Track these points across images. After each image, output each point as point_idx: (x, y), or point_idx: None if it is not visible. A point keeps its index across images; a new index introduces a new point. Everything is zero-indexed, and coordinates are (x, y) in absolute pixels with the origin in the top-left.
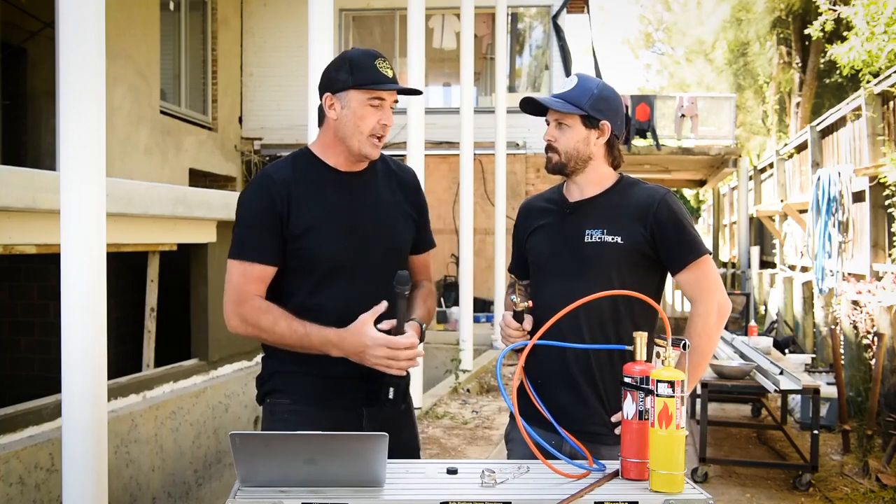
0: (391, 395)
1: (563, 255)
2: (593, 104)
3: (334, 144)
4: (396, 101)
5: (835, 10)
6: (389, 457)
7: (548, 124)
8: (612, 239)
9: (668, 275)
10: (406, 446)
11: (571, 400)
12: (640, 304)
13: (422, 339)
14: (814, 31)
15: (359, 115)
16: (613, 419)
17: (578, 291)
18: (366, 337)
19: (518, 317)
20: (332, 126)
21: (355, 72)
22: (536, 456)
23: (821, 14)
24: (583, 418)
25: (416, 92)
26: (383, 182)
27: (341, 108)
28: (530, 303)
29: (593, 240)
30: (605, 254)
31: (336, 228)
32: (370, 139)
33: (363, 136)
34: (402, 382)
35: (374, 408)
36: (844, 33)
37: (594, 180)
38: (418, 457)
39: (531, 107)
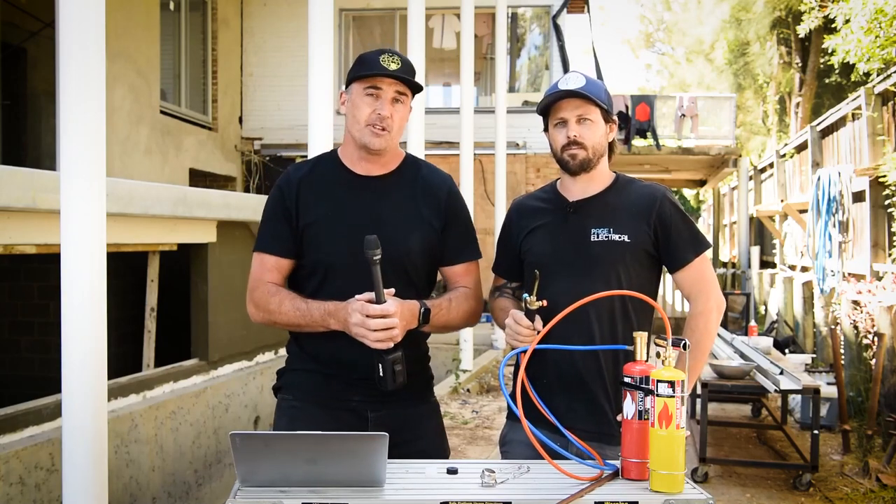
0: (381, 373)
1: (567, 254)
2: (607, 100)
3: (348, 141)
4: (402, 94)
5: (825, 7)
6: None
7: (547, 126)
8: (619, 237)
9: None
10: (423, 455)
11: (580, 400)
12: (645, 303)
13: (423, 321)
14: (802, 29)
15: (356, 105)
16: (619, 419)
17: (585, 291)
18: (350, 304)
19: (529, 315)
20: (345, 122)
21: (359, 65)
22: (543, 457)
23: (812, 9)
24: (591, 418)
25: (416, 84)
26: (405, 188)
27: (348, 102)
28: (545, 302)
29: (600, 239)
30: (612, 252)
31: (336, 228)
32: (368, 129)
33: (361, 125)
34: (391, 360)
35: (381, 412)
36: (837, 26)
37: (599, 178)
38: None
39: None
